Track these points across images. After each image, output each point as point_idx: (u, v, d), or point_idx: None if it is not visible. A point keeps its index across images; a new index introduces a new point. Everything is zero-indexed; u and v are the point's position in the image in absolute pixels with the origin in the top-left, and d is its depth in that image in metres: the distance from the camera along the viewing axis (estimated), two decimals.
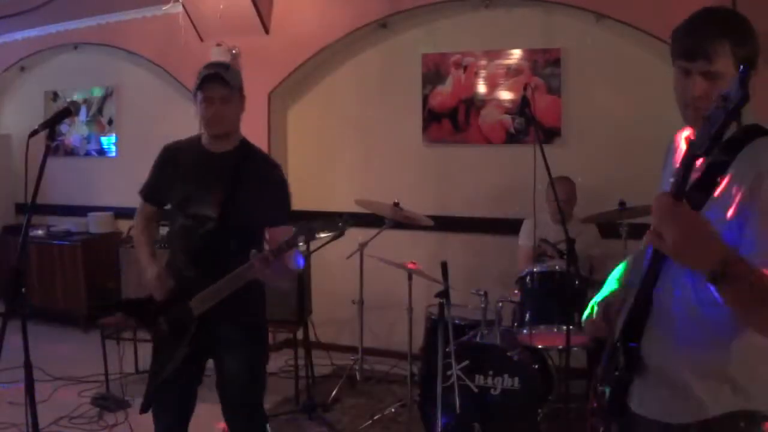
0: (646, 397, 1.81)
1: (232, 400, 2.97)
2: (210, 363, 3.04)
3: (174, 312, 2.89)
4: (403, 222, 4.74)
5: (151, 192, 3.08)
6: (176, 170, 2.96)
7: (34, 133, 2.36)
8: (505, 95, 5.37)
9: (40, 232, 6.75)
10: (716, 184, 1.64)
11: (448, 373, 3.65)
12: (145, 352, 3.56)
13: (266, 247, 2.86)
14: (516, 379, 3.75)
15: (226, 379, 2.95)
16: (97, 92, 7.05)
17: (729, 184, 1.64)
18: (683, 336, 1.72)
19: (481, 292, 4.09)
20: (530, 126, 5.01)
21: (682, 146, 1.86)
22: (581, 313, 3.75)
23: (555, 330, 3.87)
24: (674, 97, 1.80)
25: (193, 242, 2.88)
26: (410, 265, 4.37)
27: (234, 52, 5.79)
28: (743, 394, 1.69)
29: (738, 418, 1.69)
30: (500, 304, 4.07)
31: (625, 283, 2.02)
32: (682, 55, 1.73)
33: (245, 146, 3.00)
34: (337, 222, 2.82)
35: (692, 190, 1.58)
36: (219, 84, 2.84)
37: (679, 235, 1.44)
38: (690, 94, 1.71)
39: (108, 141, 7.07)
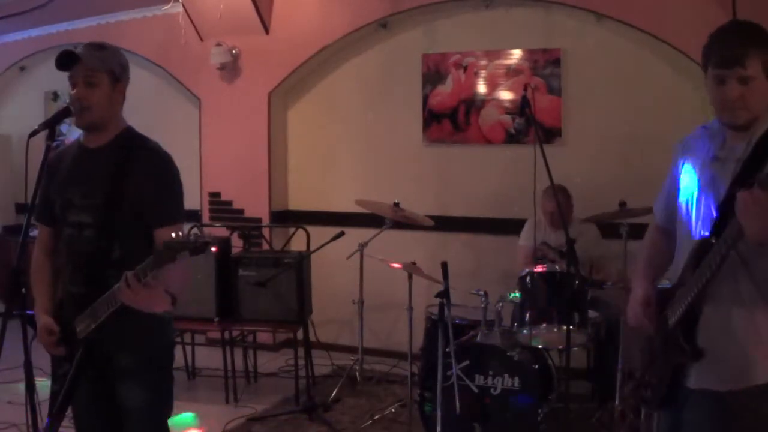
0: (701, 373, 2.08)
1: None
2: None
3: (63, 334, 2.55)
4: (403, 222, 4.74)
5: (41, 209, 2.62)
6: (59, 176, 2.59)
7: (34, 133, 2.36)
8: (505, 95, 5.36)
9: None
10: None
11: (448, 373, 3.65)
12: None
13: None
14: (516, 379, 3.75)
15: (126, 411, 2.56)
16: None
17: None
18: (735, 321, 2.02)
19: (481, 292, 4.09)
20: (530, 126, 5.02)
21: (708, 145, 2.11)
22: (581, 313, 3.81)
23: (555, 330, 3.87)
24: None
25: (76, 254, 2.53)
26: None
27: (234, 52, 5.79)
28: None
29: None
30: (500, 304, 4.07)
31: (654, 278, 2.30)
32: (719, 64, 1.96)
33: (126, 137, 2.61)
34: (198, 244, 2.15)
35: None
36: (78, 63, 2.46)
37: None
38: (728, 97, 1.95)
39: None
